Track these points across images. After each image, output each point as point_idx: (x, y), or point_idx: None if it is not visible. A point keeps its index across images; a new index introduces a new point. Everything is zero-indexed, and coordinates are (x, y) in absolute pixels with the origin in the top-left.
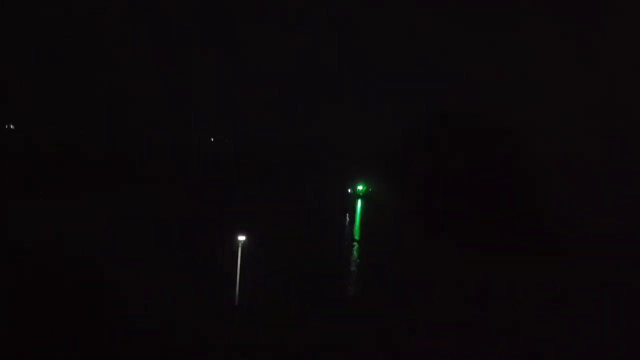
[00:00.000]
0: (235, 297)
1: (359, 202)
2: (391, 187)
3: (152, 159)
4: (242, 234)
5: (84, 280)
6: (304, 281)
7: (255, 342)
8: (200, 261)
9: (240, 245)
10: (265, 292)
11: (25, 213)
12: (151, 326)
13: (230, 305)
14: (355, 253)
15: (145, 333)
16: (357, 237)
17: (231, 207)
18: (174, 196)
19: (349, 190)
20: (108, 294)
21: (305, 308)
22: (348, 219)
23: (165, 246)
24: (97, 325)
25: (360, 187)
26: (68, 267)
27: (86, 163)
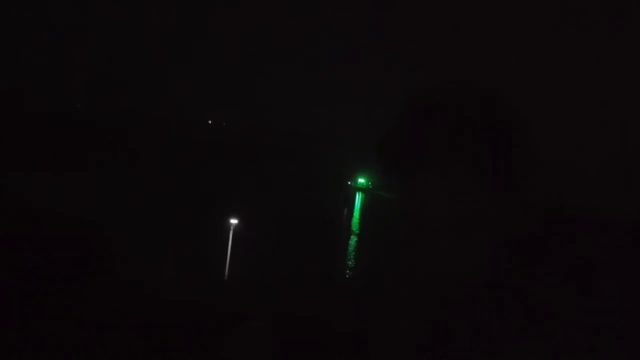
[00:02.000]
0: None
1: (359, 195)
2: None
3: (145, 138)
4: (235, 217)
5: (80, 249)
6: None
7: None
8: (193, 241)
9: (232, 227)
10: (252, 269)
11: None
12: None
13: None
14: (350, 243)
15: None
16: (355, 229)
17: (226, 191)
18: (168, 177)
19: (349, 183)
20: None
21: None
22: (346, 211)
23: (158, 225)
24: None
25: (361, 180)
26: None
27: (80, 137)
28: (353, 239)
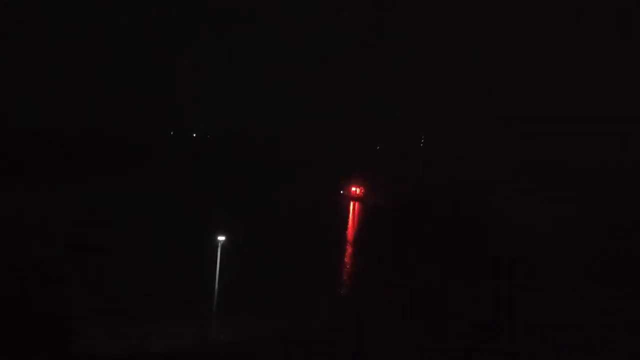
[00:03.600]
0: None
1: (352, 205)
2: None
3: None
4: (222, 233)
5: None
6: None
7: None
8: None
9: (219, 245)
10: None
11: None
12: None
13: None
14: (345, 253)
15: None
16: (349, 238)
17: (215, 206)
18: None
19: (342, 192)
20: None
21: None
22: (339, 220)
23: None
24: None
25: (354, 189)
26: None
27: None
28: (347, 249)
